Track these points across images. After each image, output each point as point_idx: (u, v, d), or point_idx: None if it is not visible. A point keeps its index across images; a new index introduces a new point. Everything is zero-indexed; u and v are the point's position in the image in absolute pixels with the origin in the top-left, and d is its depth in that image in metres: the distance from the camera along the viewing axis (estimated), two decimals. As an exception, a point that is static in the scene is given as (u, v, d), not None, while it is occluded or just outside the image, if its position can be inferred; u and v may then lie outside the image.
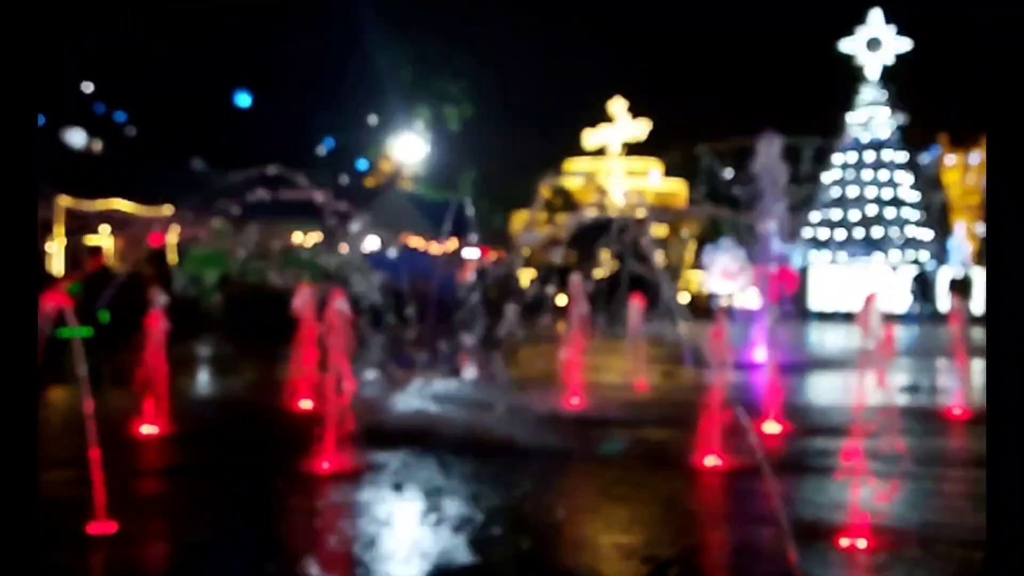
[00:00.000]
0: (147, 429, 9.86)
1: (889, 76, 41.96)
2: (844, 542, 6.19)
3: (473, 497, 7.50)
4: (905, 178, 41.36)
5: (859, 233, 40.08)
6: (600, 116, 68.10)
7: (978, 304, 33.84)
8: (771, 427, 10.20)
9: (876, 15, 41.57)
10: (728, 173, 38.67)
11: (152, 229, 30.62)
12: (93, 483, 6.28)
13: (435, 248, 39.98)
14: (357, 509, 7.14)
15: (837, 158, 41.70)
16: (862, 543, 6.17)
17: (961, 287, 35.03)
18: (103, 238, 29.83)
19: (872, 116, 41.46)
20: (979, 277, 36.55)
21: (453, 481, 8.02)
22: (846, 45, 41.74)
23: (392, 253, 38.21)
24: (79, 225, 28.18)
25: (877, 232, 39.72)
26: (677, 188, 68.73)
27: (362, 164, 56.07)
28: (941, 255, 39.05)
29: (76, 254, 28.03)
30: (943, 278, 36.87)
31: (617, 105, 67.55)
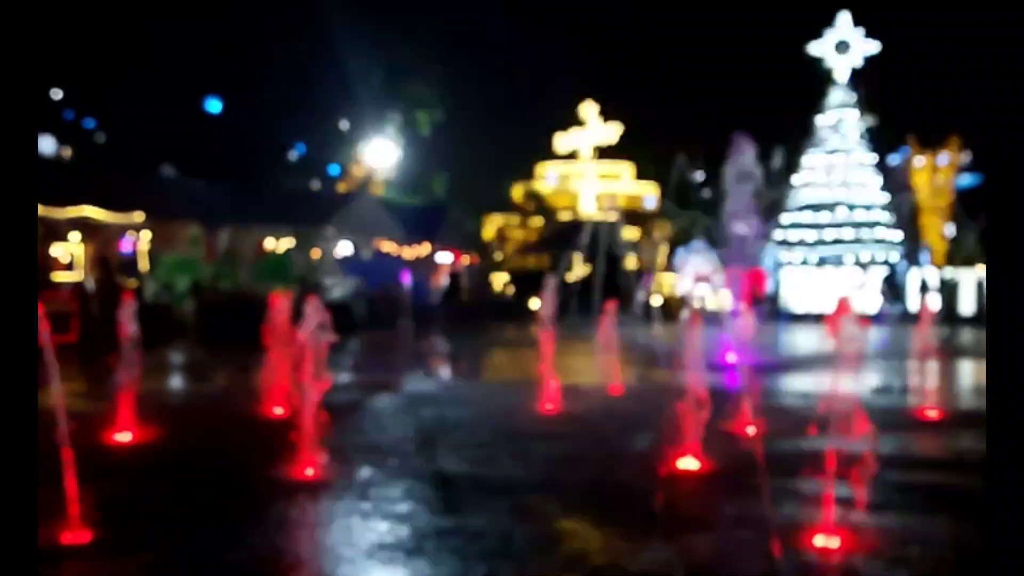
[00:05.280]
0: (121, 436, 9.81)
1: (858, 78, 42.27)
2: (819, 542, 6.24)
3: (444, 502, 7.51)
4: (874, 180, 41.65)
5: (829, 235, 40.32)
6: (572, 120, 68.24)
7: (945, 303, 34.17)
8: (745, 429, 10.25)
9: (844, 18, 41.85)
10: (699, 176, 38.90)
11: (122, 235, 30.47)
12: (67, 492, 6.24)
13: (408, 252, 39.95)
14: (332, 518, 7.13)
15: (807, 160, 41.95)
16: (836, 543, 6.22)
17: (931, 287, 35.36)
18: (73, 245, 29.63)
19: (841, 118, 41.70)
20: (951, 277, 36.96)
21: (425, 486, 8.02)
22: (815, 48, 41.99)
23: (365, 257, 38.20)
24: (49, 232, 27.95)
25: (847, 234, 39.96)
26: (649, 191, 68.92)
27: (334, 169, 55.95)
28: (911, 256, 39.37)
29: (45, 262, 27.81)
30: (913, 278, 37.17)
31: (588, 109, 67.68)
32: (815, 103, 42.66)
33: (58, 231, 28.77)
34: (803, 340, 26.78)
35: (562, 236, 47.76)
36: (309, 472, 8.17)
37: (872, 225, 40.30)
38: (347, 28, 50.10)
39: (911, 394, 13.74)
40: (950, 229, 43.40)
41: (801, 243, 40.67)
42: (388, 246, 40.44)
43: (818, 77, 42.62)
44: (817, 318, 33.11)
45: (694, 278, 26.73)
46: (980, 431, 9.93)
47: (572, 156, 69.73)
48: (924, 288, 35.47)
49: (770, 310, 33.67)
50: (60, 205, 28.31)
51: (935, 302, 24.48)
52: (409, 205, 49.88)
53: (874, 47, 41.68)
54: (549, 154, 69.68)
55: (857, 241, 39.57)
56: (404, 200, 51.79)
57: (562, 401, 12.39)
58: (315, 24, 50.33)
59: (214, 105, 52.09)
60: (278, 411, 11.51)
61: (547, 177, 70.38)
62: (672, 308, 32.08)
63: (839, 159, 41.47)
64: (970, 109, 40.13)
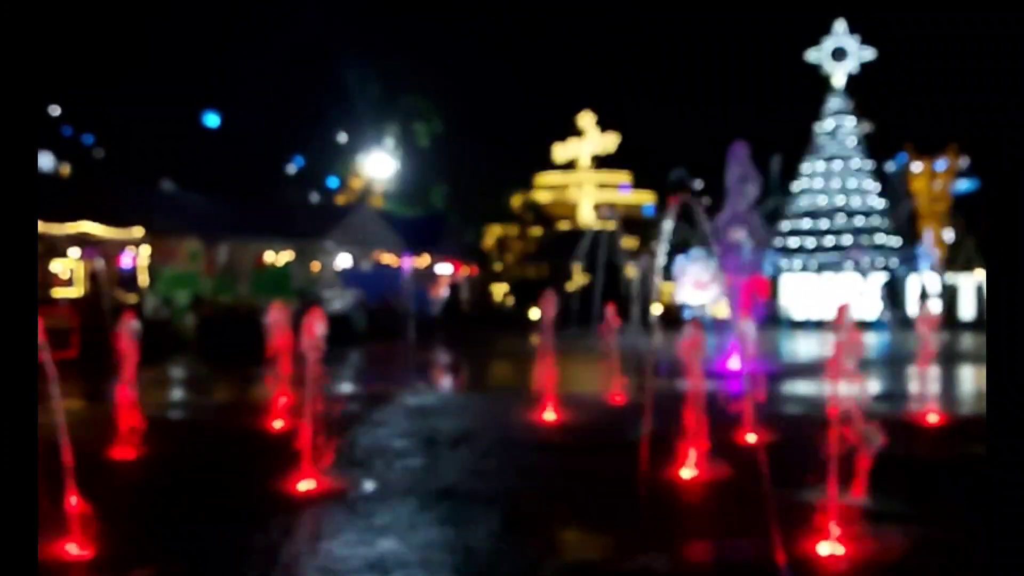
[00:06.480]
0: (121, 451, 9.79)
1: (855, 85, 42.36)
2: (824, 549, 6.23)
3: (444, 514, 7.51)
4: (873, 186, 41.69)
5: (829, 241, 40.35)
6: (570, 130, 68.30)
7: (944, 308, 34.16)
8: (747, 437, 10.23)
9: (841, 25, 41.93)
10: (698, 184, 38.91)
11: (122, 251, 30.46)
12: (67, 506, 6.24)
13: (407, 264, 39.89)
14: (332, 531, 7.12)
15: (805, 167, 42.00)
16: (840, 550, 6.21)
17: (932, 293, 35.34)
18: (72, 261, 29.61)
19: (839, 125, 41.77)
20: (951, 282, 37.02)
21: (426, 498, 8.02)
22: (812, 55, 42.07)
23: (364, 269, 38.20)
24: (48, 249, 27.94)
25: (846, 240, 39.99)
26: (647, 200, 68.93)
27: (332, 182, 55.95)
28: (910, 262, 39.35)
29: (44, 278, 27.80)
30: (912, 284, 37.16)
31: (586, 118, 67.75)
32: (813, 110, 42.73)
33: (57, 247, 28.75)
34: (804, 347, 26.76)
35: (561, 246, 47.72)
36: (309, 485, 8.17)
37: (871, 231, 40.33)
38: (345, 41, 50.20)
39: (912, 400, 13.73)
40: (949, 235, 43.37)
41: (800, 250, 40.69)
42: (388, 258, 40.43)
43: (815, 84, 42.71)
44: (817, 324, 33.15)
45: (694, 286, 26.69)
46: (981, 435, 9.93)
47: (571, 166, 69.78)
48: (924, 294, 35.44)
49: (770, 317, 33.63)
50: (59, 221, 28.30)
51: (936, 307, 24.43)
52: (408, 216, 49.87)
53: (870, 54, 41.75)
54: (548, 164, 69.72)
55: (856, 247, 39.55)
56: (403, 211, 51.79)
57: (562, 411, 12.39)
58: (312, 37, 50.42)
59: (212, 119, 52.14)
60: (278, 424, 11.52)
61: (546, 187, 70.36)
62: (672, 316, 32.08)
63: (837, 166, 41.53)
64: (968, 114, 40.20)
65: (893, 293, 36.79)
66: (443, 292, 41.62)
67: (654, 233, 55.93)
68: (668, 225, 8.57)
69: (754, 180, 19.55)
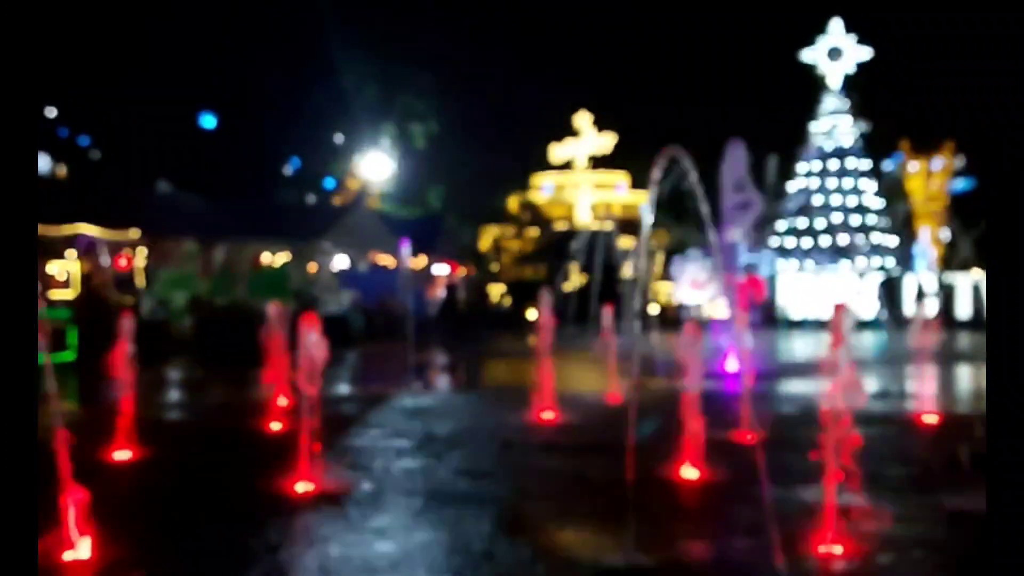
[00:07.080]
0: (119, 454, 9.77)
1: (851, 84, 42.39)
2: (821, 549, 6.23)
3: (441, 515, 7.50)
4: (869, 185, 41.75)
5: (825, 241, 40.38)
6: (566, 130, 68.24)
7: (941, 308, 34.19)
8: (744, 436, 10.23)
9: (836, 24, 41.97)
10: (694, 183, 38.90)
11: (118, 252, 30.43)
12: (67, 510, 6.22)
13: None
14: (329, 534, 7.10)
15: (802, 167, 42.04)
16: (838, 550, 6.21)
17: (929, 292, 35.38)
18: (69, 263, 29.60)
19: (835, 124, 41.83)
20: (948, 281, 37.07)
21: (423, 499, 8.01)
22: (807, 55, 42.12)
23: (362, 270, 38.16)
24: (45, 250, 27.90)
25: (843, 239, 40.03)
26: (644, 200, 68.86)
27: (329, 183, 55.92)
28: (906, 261, 39.40)
29: (41, 280, 27.76)
30: (909, 284, 37.20)
31: (582, 118, 67.71)
32: (809, 110, 42.77)
33: (54, 249, 28.72)
34: (801, 346, 26.77)
35: (558, 246, 47.73)
36: (306, 487, 8.15)
37: (867, 231, 40.37)
38: (341, 41, 50.18)
39: (909, 399, 13.74)
40: (945, 234, 43.45)
41: (797, 249, 40.73)
42: (384, 259, 40.39)
43: (811, 84, 42.75)
44: (815, 324, 33.15)
45: (691, 286, 26.70)
46: (979, 434, 9.94)
47: (567, 166, 69.73)
48: (921, 294, 35.47)
49: (767, 317, 33.67)
50: (56, 223, 28.28)
51: (933, 307, 24.46)
52: (405, 217, 49.84)
53: (866, 53, 41.79)
54: (544, 164, 69.66)
55: (853, 247, 39.61)
56: (400, 212, 51.76)
57: (560, 411, 12.39)
58: (309, 38, 50.39)
59: (209, 121, 52.10)
60: (276, 426, 11.50)
61: (542, 187, 70.28)
62: (669, 316, 32.12)
63: (833, 165, 41.57)
64: (964, 113, 40.24)
65: (890, 292, 36.83)
66: (440, 293, 41.60)
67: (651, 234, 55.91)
68: (656, 175, 8.50)
69: (755, 204, 19.59)
